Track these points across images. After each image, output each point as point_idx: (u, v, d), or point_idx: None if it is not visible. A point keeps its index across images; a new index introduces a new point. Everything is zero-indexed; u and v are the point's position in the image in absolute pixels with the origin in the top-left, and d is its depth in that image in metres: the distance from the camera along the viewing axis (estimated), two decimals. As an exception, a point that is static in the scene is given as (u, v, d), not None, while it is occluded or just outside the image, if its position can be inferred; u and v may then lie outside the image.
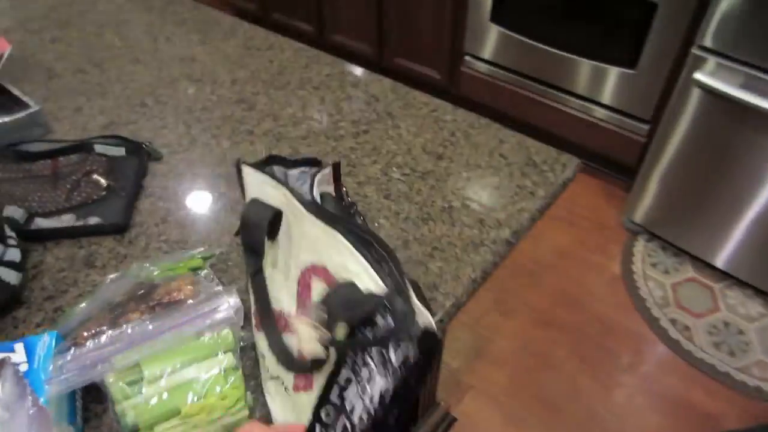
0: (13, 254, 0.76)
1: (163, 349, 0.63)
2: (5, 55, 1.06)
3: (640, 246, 2.03)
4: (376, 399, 0.50)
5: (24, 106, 1.03)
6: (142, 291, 0.69)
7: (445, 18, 2.33)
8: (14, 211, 0.85)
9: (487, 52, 2.33)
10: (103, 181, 0.91)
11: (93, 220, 0.86)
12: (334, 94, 1.14)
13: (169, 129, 1.06)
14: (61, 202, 0.88)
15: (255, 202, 0.63)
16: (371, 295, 0.51)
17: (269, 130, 1.05)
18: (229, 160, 0.99)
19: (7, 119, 0.99)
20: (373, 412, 0.50)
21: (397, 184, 0.94)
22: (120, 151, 0.97)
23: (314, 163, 0.72)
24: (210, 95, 1.14)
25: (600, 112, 2.15)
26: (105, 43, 1.31)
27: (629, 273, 1.95)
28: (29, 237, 0.85)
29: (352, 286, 0.53)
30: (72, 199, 0.89)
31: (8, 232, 0.77)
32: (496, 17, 2.21)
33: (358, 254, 0.54)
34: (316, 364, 0.53)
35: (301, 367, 0.56)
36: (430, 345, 0.52)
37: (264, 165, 0.67)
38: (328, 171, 0.67)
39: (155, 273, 0.71)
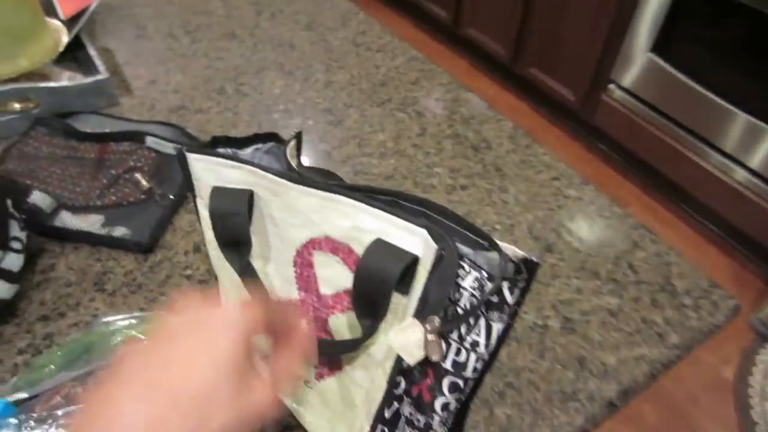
0: (12, 262, 0.64)
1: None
2: (91, 9, 0.95)
3: (766, 357, 1.69)
4: (493, 344, 0.42)
5: (95, 70, 0.91)
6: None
7: (597, 38, 2.03)
8: (42, 200, 0.74)
9: (635, 84, 2.02)
10: (144, 183, 0.77)
11: (119, 231, 0.73)
12: (439, 126, 0.94)
13: (238, 129, 0.90)
14: (94, 198, 0.76)
15: (218, 190, 0.50)
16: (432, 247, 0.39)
17: (349, 157, 0.87)
18: (294, 186, 0.82)
19: (71, 84, 0.87)
20: (487, 357, 0.43)
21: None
22: (174, 149, 0.82)
23: (268, 138, 0.56)
24: (296, 95, 0.97)
25: (744, 177, 1.80)
26: (207, 7, 1.17)
27: (743, 386, 1.63)
28: (49, 233, 0.73)
29: (384, 244, 0.41)
30: (105, 196, 0.76)
31: (16, 232, 0.65)
32: (657, 48, 1.89)
33: (371, 208, 0.42)
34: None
35: (345, 347, 0.47)
36: (532, 267, 0.41)
37: (209, 149, 0.52)
38: (293, 143, 0.53)
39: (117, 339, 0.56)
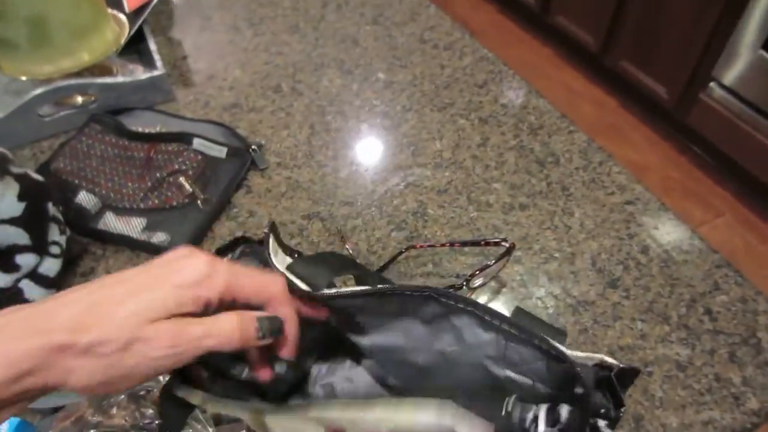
0: (50, 267, 0.64)
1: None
2: (154, 1, 0.94)
3: None
4: None
5: (153, 65, 0.91)
6: (140, 387, 0.53)
7: (700, 33, 1.85)
8: (88, 200, 0.74)
9: (738, 83, 1.82)
10: (187, 187, 0.76)
11: (158, 237, 0.72)
12: (503, 136, 0.86)
13: (290, 131, 0.87)
14: (137, 201, 0.75)
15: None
16: None
17: (401, 166, 0.82)
18: (339, 197, 0.78)
19: (127, 80, 0.87)
20: None
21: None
22: (220, 152, 0.80)
23: (235, 244, 0.46)
24: (353, 96, 0.93)
25: None
26: (273, -2, 1.14)
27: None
28: (92, 234, 0.73)
29: None
30: (149, 199, 0.75)
31: (56, 236, 0.65)
32: (769, 45, 1.69)
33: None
34: None
35: None
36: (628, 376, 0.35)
37: None
38: (271, 241, 0.42)
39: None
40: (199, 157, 0.79)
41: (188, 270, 0.35)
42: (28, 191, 0.62)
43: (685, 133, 2.11)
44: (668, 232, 0.74)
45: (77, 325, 0.32)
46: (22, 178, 0.62)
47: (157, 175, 0.77)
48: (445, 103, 0.92)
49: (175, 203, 0.75)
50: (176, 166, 0.77)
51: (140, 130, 0.83)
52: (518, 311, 0.40)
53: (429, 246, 0.70)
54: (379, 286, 0.40)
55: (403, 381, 0.46)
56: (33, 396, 0.33)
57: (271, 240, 0.42)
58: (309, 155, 0.84)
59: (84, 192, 0.74)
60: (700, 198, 2.00)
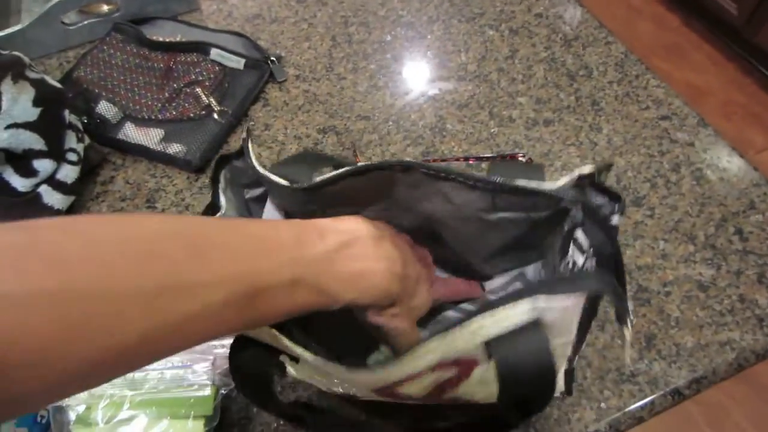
0: (67, 173, 0.65)
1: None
2: None
3: None
4: None
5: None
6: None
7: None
8: (108, 110, 0.74)
9: (819, -3, 1.65)
10: (203, 98, 0.75)
11: (174, 148, 0.72)
12: (534, 48, 0.81)
13: (311, 43, 0.84)
14: (156, 111, 0.75)
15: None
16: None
17: (423, 79, 0.78)
18: (356, 111, 0.76)
19: (147, -13, 0.85)
20: None
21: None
22: (238, 63, 0.79)
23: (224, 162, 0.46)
24: (379, 6, 0.88)
25: None
26: None
27: None
28: (113, 144, 0.74)
29: (504, 342, 0.33)
30: (167, 110, 0.75)
31: (72, 144, 0.66)
32: None
33: (450, 332, 0.33)
34: None
35: None
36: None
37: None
38: (249, 148, 0.43)
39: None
40: (217, 68, 0.78)
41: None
42: (45, 97, 0.63)
43: (754, 53, 1.95)
44: (705, 148, 0.69)
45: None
46: (38, 84, 0.63)
47: (175, 85, 0.76)
48: (474, 13, 0.86)
49: (192, 115, 0.75)
50: (193, 77, 0.77)
51: (161, 39, 0.82)
52: (493, 165, 0.41)
53: (443, 160, 0.68)
54: (361, 163, 0.39)
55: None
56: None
57: (250, 146, 0.41)
58: (329, 68, 0.81)
59: (105, 101, 0.74)
60: (764, 123, 1.86)
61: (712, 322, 0.57)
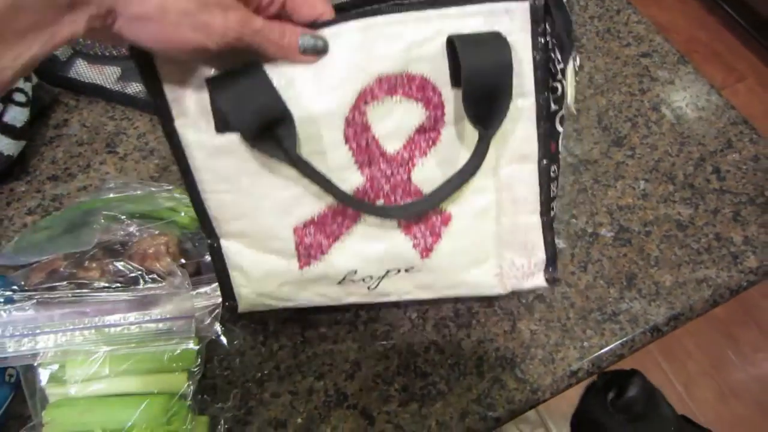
0: (15, 116, 0.60)
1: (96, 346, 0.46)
2: None
3: None
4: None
5: None
6: (116, 240, 0.51)
7: None
8: (56, 44, 0.68)
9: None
10: (163, 34, 0.69)
11: (133, 88, 0.67)
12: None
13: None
14: (109, 47, 0.69)
15: (218, 80, 0.37)
16: None
17: None
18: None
19: None
20: None
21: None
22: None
23: None
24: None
25: None
26: None
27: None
28: (63, 83, 0.68)
29: (466, 38, 0.38)
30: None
31: (20, 83, 0.61)
32: None
33: (417, 11, 0.38)
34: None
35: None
36: None
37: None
38: None
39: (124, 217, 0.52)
40: (175, -1, 0.72)
41: None
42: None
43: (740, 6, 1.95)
44: (685, 86, 0.68)
45: None
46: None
47: (129, 19, 0.70)
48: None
49: (150, 51, 0.69)
50: (149, 10, 0.70)
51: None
52: None
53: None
54: None
55: None
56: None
57: None
58: None
59: (51, 38, 0.68)
60: (724, 61, 1.88)
61: (690, 261, 0.57)
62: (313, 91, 0.38)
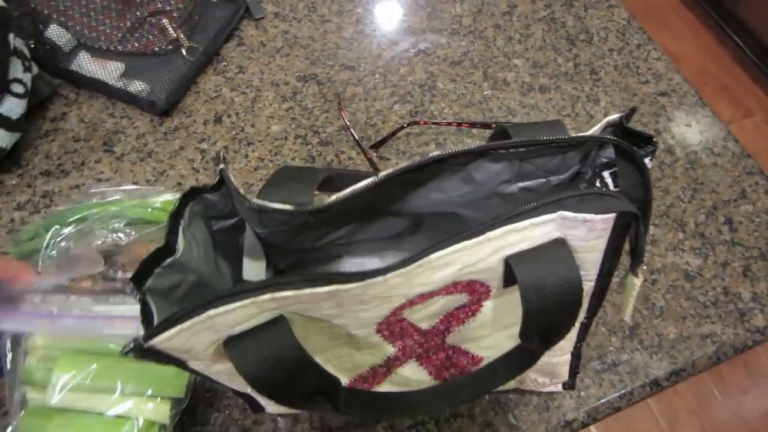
0: (12, 107, 0.58)
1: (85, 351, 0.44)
2: None
3: None
4: None
5: None
6: (106, 249, 0.49)
7: None
8: (60, 35, 0.66)
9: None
10: (171, 31, 0.67)
11: (136, 86, 0.65)
12: (533, 5, 0.75)
13: (292, -22, 0.76)
14: (115, 42, 0.67)
15: (236, 340, 0.30)
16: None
17: (413, 29, 0.72)
18: (340, 59, 0.70)
19: None
20: None
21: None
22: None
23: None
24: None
25: None
26: None
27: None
28: (64, 75, 0.66)
29: (523, 257, 0.31)
30: (128, 41, 0.67)
31: (18, 73, 0.58)
32: None
33: (477, 237, 0.30)
34: None
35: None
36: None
37: (186, 310, 0.28)
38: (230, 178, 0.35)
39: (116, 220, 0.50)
40: (186, -3, 0.70)
41: None
42: (-16, 18, 0.54)
43: (732, 22, 1.94)
44: (702, 131, 0.66)
45: None
46: (-24, 2, 0.54)
47: (138, 13, 0.68)
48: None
49: (156, 49, 0.67)
50: (159, 5, 0.68)
51: (121, -41, 0.73)
52: (511, 128, 0.38)
53: (434, 123, 0.63)
54: (381, 174, 0.34)
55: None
56: None
57: (231, 176, 0.34)
58: (311, 8, 0.74)
59: (55, 25, 0.66)
60: (733, 96, 1.87)
61: (696, 314, 0.56)
62: (335, 311, 0.32)
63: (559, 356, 0.45)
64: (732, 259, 0.59)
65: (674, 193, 0.62)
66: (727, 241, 0.60)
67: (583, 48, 0.72)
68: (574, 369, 0.47)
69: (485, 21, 0.74)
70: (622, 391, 0.52)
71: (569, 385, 0.49)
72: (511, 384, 0.48)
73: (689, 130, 0.66)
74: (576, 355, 0.45)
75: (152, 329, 0.27)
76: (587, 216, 0.30)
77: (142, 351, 0.27)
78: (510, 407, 0.51)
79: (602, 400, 0.52)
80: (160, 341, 0.27)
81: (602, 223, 0.30)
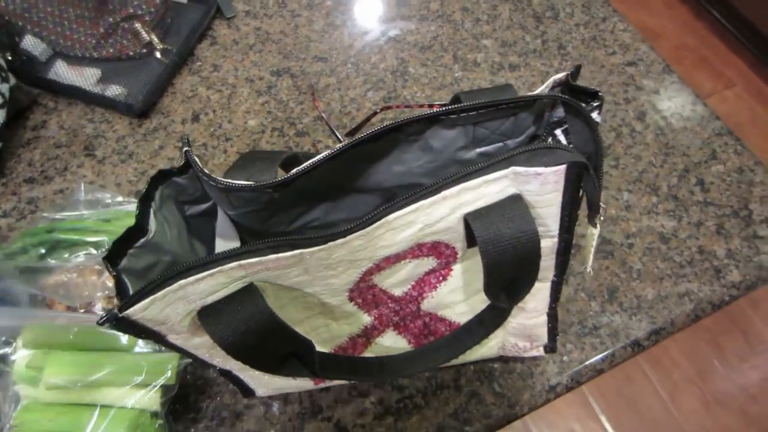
0: (-9, 117, 0.59)
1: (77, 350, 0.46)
2: None
3: None
4: None
5: None
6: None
7: None
8: (35, 45, 0.67)
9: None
10: (144, 35, 0.68)
11: (113, 90, 0.66)
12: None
13: (261, -24, 0.77)
14: (90, 49, 0.68)
15: (209, 310, 0.31)
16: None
17: (382, 18, 0.74)
18: (312, 52, 0.71)
19: None
20: None
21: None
22: (182, -3, 0.72)
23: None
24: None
25: None
26: None
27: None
28: (42, 84, 0.67)
29: (484, 212, 0.33)
30: (103, 47, 0.68)
31: (-5, 84, 0.59)
32: None
33: (430, 196, 0.32)
34: None
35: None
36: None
37: (157, 280, 0.30)
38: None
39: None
40: (158, 0, 0.71)
41: None
42: (-42, 32, 0.56)
43: (733, 15, 1.95)
44: (670, 96, 0.68)
45: None
46: (-52, 17, 0.55)
47: (110, 19, 0.69)
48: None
49: (131, 53, 0.68)
50: (131, 10, 0.69)
51: (91, -32, 0.74)
52: (463, 95, 0.39)
53: (406, 107, 0.64)
54: (339, 145, 0.35)
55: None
56: None
57: (196, 158, 0.36)
58: (281, 3, 0.75)
59: (30, 36, 0.67)
60: (713, 67, 1.89)
61: (672, 274, 0.57)
62: (305, 278, 0.34)
63: (535, 317, 0.46)
64: (705, 218, 0.60)
65: (646, 159, 0.63)
66: (700, 201, 0.61)
67: (549, 25, 0.73)
68: (553, 331, 0.48)
69: (453, 4, 0.75)
70: (604, 354, 0.53)
71: (550, 348, 0.50)
72: (495, 351, 0.50)
73: (657, 97, 0.68)
74: (552, 315, 0.46)
75: (126, 300, 0.28)
76: (538, 169, 0.31)
77: (117, 321, 0.28)
78: (495, 376, 0.52)
79: (585, 363, 0.53)
80: (135, 311, 0.29)
81: (554, 175, 0.32)
